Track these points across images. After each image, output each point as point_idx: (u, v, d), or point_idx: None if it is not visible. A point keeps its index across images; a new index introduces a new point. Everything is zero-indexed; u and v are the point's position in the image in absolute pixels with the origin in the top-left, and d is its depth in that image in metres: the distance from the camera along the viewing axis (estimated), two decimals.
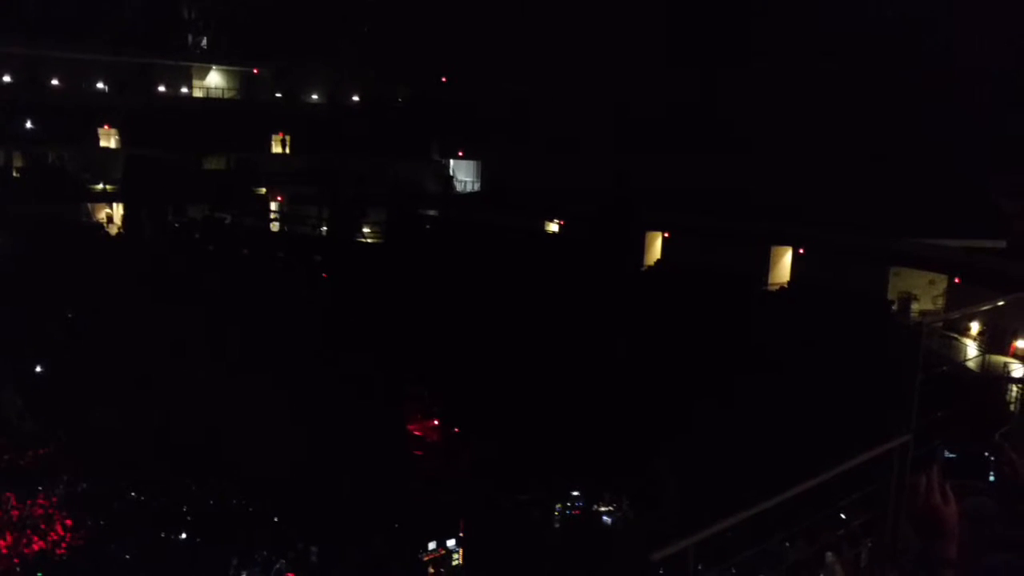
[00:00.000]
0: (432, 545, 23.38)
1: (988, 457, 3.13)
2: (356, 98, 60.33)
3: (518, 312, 34.55)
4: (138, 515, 25.31)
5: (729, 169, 41.86)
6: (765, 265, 40.88)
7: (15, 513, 24.42)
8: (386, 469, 28.12)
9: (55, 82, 50.10)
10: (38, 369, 34.88)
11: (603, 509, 26.34)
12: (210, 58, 56.69)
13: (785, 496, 4.46)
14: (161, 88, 54.09)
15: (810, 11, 42.82)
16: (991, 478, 3.12)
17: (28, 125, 48.17)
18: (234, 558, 22.52)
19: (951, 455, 3.12)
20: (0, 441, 29.15)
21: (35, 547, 23.03)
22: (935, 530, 2.84)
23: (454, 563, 23.67)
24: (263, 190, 54.48)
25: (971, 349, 28.92)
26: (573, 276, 37.31)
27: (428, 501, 26.44)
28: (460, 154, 61.35)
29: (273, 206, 54.38)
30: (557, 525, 25.77)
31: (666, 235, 45.85)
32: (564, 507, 26.34)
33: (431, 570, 23.17)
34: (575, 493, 26.57)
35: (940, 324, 27.77)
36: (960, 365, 25.72)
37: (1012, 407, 23.10)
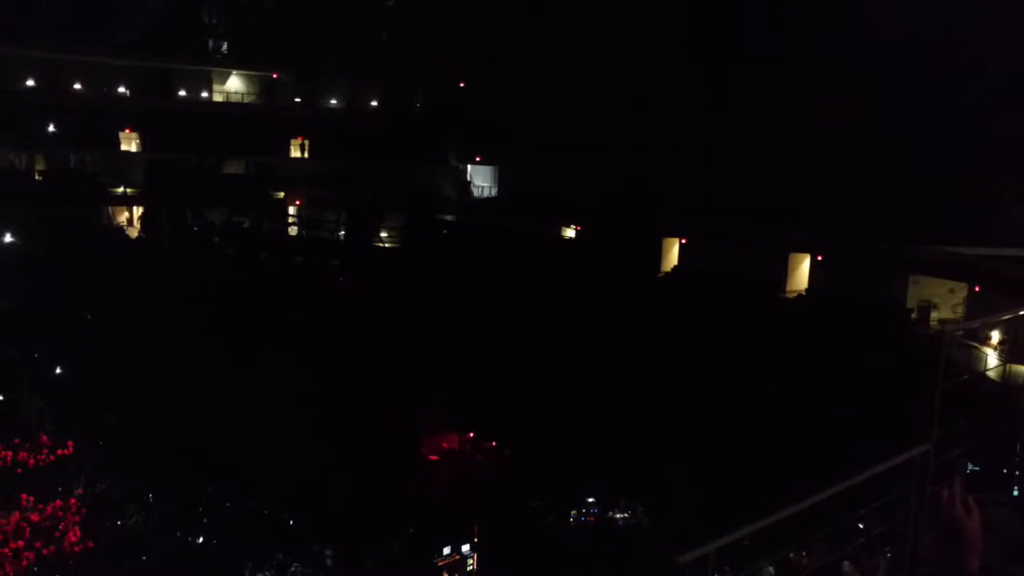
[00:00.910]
0: (447, 550, 23.38)
1: (1012, 471, 3.11)
2: (374, 103, 60.60)
3: (534, 318, 34.53)
4: (154, 517, 25.46)
5: (748, 175, 41.75)
6: (783, 272, 40.68)
7: (35, 516, 24.59)
8: (401, 474, 28.16)
9: (77, 86, 50.60)
10: (58, 371, 35.16)
11: (618, 515, 26.28)
12: (230, 63, 57.11)
13: (804, 504, 4.44)
14: (182, 92, 54.51)
15: (828, 15, 42.64)
16: (1015, 492, 3.10)
17: (51, 128, 48.64)
18: (249, 561, 22.62)
19: (974, 468, 3.10)
20: (20, 442, 29.38)
21: (52, 548, 23.20)
22: (957, 541, 2.82)
23: (468, 568, 23.65)
24: (282, 194, 54.80)
25: (992, 358, 28.65)
26: (590, 282, 37.26)
27: (442, 506, 26.46)
28: (478, 159, 61.51)
29: (291, 210, 54.66)
30: (572, 531, 25.72)
31: (683, 241, 45.74)
32: (579, 513, 26.30)
33: (445, 575, 23.17)
34: (590, 499, 26.52)
35: (960, 333, 27.53)
36: (981, 375, 25.48)
37: None
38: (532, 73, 52.15)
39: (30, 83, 48.86)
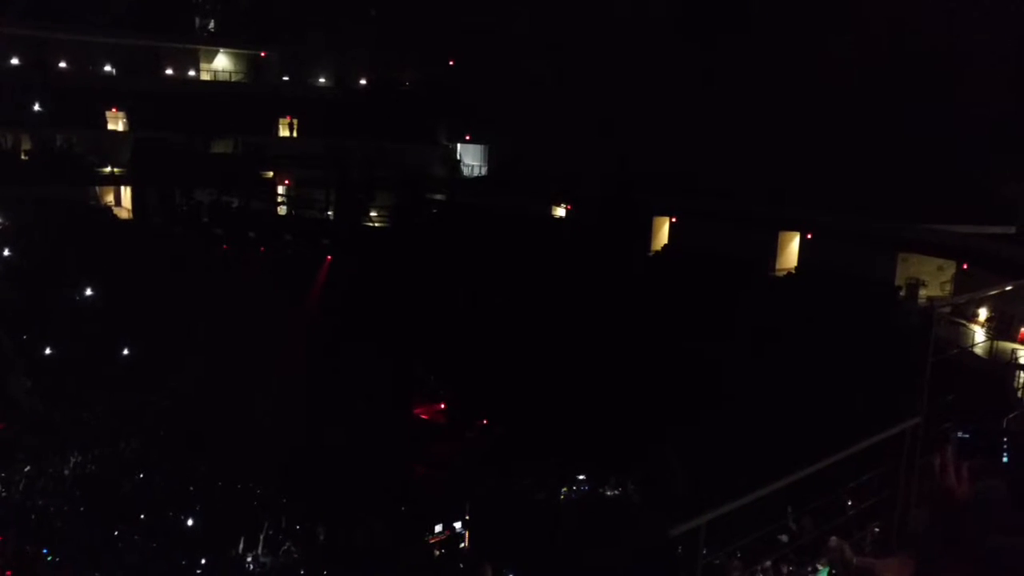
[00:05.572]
0: (439, 528, 23.47)
1: (1002, 437, 3.13)
2: (363, 81, 60.17)
3: (524, 297, 34.55)
4: (146, 496, 25.46)
5: (737, 154, 41.68)
6: (773, 250, 40.76)
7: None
8: (393, 452, 28.23)
9: (63, 65, 50.05)
10: (47, 351, 35.02)
11: (609, 492, 26.43)
12: (217, 41, 56.54)
13: (792, 479, 4.47)
14: (169, 71, 54.02)
15: None
16: (1004, 459, 3.12)
17: (36, 108, 48.16)
18: (240, 539, 22.65)
19: (964, 435, 3.11)
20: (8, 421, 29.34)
21: (42, 527, 23.20)
22: (950, 510, 2.84)
23: (461, 546, 23.77)
24: (270, 173, 54.47)
25: (979, 335, 28.82)
26: (579, 261, 37.29)
27: (435, 484, 26.56)
28: (467, 138, 61.21)
29: (280, 189, 54.38)
30: (563, 507, 25.85)
31: (673, 220, 45.74)
32: (570, 490, 26.43)
33: (437, 552, 23.27)
34: (581, 476, 26.65)
35: (948, 310, 27.65)
36: (968, 351, 25.65)
37: (1020, 394, 23.08)
38: (522, 51, 51.83)
39: (14, 61, 48.32)
